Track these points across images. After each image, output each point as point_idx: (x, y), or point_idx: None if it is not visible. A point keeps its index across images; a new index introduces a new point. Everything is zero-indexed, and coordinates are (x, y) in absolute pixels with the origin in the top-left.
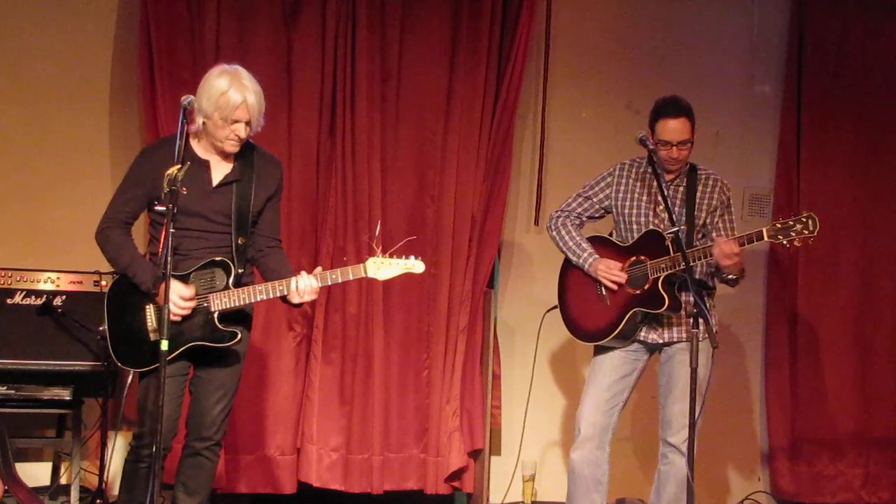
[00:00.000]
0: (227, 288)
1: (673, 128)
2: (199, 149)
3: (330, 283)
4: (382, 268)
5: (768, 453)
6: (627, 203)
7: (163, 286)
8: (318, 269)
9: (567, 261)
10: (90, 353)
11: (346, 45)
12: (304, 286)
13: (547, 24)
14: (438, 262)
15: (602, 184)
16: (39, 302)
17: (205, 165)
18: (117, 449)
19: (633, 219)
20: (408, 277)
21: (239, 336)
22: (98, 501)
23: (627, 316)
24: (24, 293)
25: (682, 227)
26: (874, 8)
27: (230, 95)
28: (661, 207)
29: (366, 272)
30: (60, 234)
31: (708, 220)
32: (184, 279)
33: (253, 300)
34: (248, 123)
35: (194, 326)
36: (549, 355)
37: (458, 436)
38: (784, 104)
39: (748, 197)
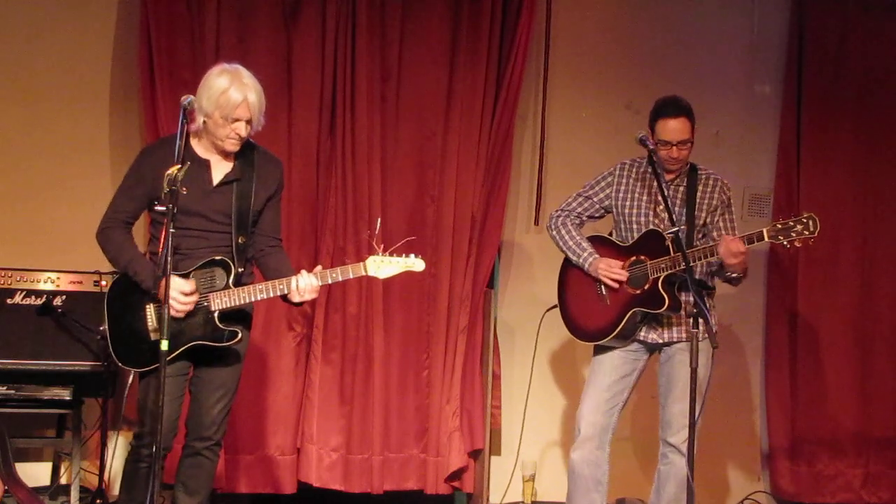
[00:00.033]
0: (227, 287)
1: (673, 128)
2: (200, 148)
3: (330, 282)
4: (382, 266)
5: (768, 453)
6: (628, 203)
7: (163, 285)
8: (319, 267)
9: (567, 260)
10: (90, 353)
11: (346, 45)
12: (304, 285)
13: (547, 24)
14: (438, 262)
15: (602, 183)
16: (39, 302)
17: (205, 165)
18: (117, 449)
19: (633, 219)
20: (408, 277)
21: (239, 335)
22: (98, 501)
23: (627, 316)
24: (24, 293)
25: (682, 227)
26: (874, 8)
27: (231, 94)
28: (661, 207)
29: (366, 270)
30: (60, 234)
31: (708, 220)
32: (184, 278)
33: (253, 299)
34: (248, 122)
35: (194, 326)
36: (549, 355)
37: (458, 436)
38: (784, 104)
39: (748, 197)
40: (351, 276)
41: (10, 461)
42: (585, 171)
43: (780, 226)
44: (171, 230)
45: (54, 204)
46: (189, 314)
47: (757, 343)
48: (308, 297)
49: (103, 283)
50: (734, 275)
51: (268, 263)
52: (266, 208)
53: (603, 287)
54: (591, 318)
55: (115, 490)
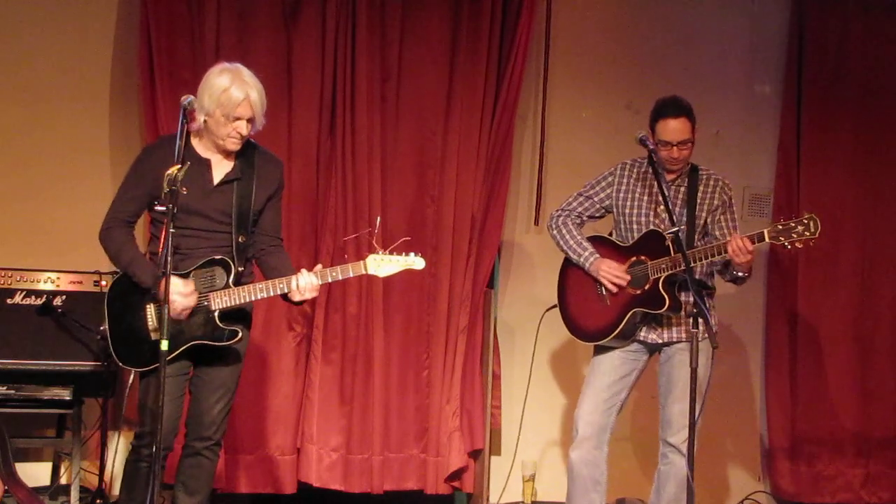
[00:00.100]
0: (227, 286)
1: (673, 128)
2: (200, 147)
3: (330, 281)
4: (382, 265)
5: (768, 453)
6: (628, 203)
7: (163, 286)
8: (319, 266)
9: (567, 260)
10: (90, 353)
11: (346, 45)
12: (304, 284)
13: (547, 24)
14: (438, 262)
15: (603, 183)
16: (39, 302)
17: (206, 164)
18: (117, 449)
19: (634, 219)
20: (408, 277)
21: (239, 335)
22: (98, 501)
23: (627, 316)
24: (24, 293)
25: (682, 228)
26: (874, 8)
27: (232, 92)
28: (661, 207)
29: (366, 269)
30: (60, 234)
31: (709, 220)
32: (184, 278)
33: (253, 298)
34: (250, 121)
35: (195, 325)
36: (550, 355)
37: (458, 436)
38: (784, 104)
39: (748, 197)
40: (351, 275)
41: (10, 461)
42: (585, 171)
43: (780, 227)
44: (171, 230)
45: (54, 204)
46: (189, 314)
47: (757, 343)
48: (308, 296)
49: (103, 283)
50: (740, 274)
51: (268, 263)
52: (266, 208)
53: (603, 287)
54: (591, 318)
55: (115, 490)
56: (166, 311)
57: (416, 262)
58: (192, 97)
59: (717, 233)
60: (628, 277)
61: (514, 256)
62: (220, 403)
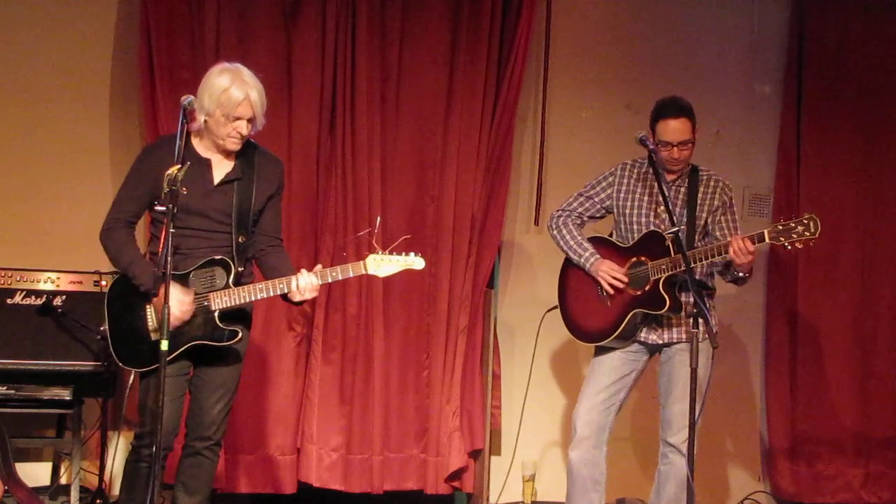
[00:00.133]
0: (227, 287)
1: (674, 128)
2: (201, 147)
3: (330, 281)
4: (382, 265)
5: (768, 453)
6: (628, 204)
7: (162, 287)
8: (319, 266)
9: (567, 261)
10: (90, 353)
11: (346, 45)
12: (304, 284)
13: (547, 24)
14: (438, 262)
15: (604, 183)
16: (39, 302)
17: (206, 164)
18: (117, 449)
19: (634, 219)
20: (408, 277)
21: (239, 335)
22: (98, 501)
23: (628, 317)
24: (24, 293)
25: (683, 228)
26: (874, 8)
27: (232, 92)
28: (661, 208)
29: (366, 269)
30: (60, 234)
31: (709, 221)
32: (184, 278)
33: (253, 298)
34: (250, 121)
35: (195, 325)
36: (550, 355)
37: (458, 436)
38: (784, 104)
39: (748, 197)
40: (351, 275)
41: (10, 461)
42: (585, 171)
43: (780, 227)
44: (171, 230)
45: (54, 204)
46: (193, 311)
47: (757, 343)
48: (308, 296)
49: (103, 283)
50: (741, 275)
51: (268, 263)
52: (266, 208)
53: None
54: (591, 319)
55: (115, 490)
56: (166, 311)
57: (416, 262)
58: (192, 97)
59: (717, 233)
60: (626, 279)
61: (514, 256)
62: (220, 403)
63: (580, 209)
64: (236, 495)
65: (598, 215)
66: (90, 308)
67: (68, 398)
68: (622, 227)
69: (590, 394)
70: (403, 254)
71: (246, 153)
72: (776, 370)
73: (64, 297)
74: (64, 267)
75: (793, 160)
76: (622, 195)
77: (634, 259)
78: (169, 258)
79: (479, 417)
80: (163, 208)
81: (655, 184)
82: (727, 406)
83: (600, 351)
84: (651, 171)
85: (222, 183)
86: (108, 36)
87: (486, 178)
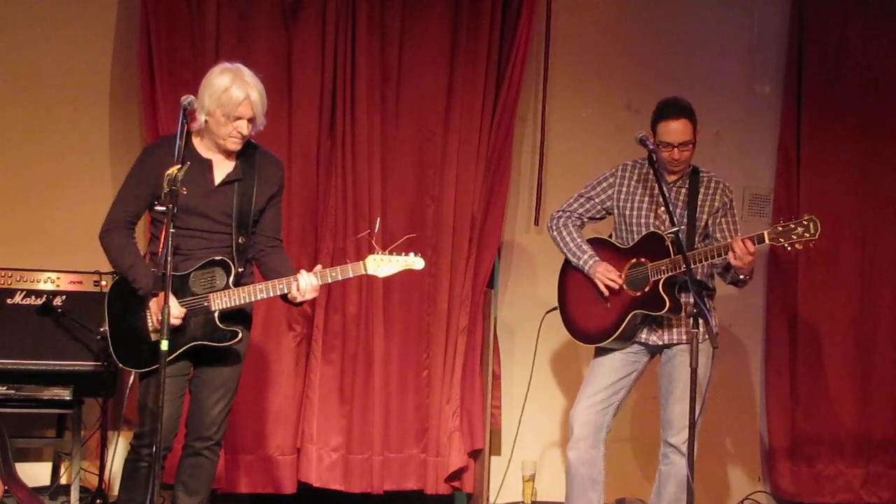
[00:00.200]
0: (227, 287)
1: (674, 129)
2: (202, 148)
3: (330, 281)
4: (382, 265)
5: (768, 453)
6: (629, 205)
7: (161, 292)
8: (318, 266)
9: (567, 262)
10: (90, 353)
11: (346, 45)
12: (304, 284)
13: (547, 24)
14: (438, 262)
15: (604, 184)
16: (39, 302)
17: (207, 164)
18: (117, 449)
19: (634, 220)
20: (408, 277)
21: (240, 335)
22: (98, 501)
23: (628, 318)
24: (24, 293)
25: (683, 228)
26: (874, 8)
27: (233, 92)
28: (661, 209)
29: (366, 269)
30: (60, 234)
31: (710, 222)
32: (184, 279)
33: (253, 299)
34: (250, 120)
35: (195, 326)
36: (550, 355)
37: (458, 436)
38: (784, 104)
39: (748, 197)
40: (351, 275)
41: (10, 461)
42: (585, 171)
43: (780, 228)
44: (171, 230)
45: (54, 204)
46: (189, 314)
47: (757, 343)
48: (308, 296)
49: (103, 283)
50: (742, 276)
51: (268, 263)
52: (267, 208)
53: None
54: (591, 320)
55: (115, 490)
56: (166, 311)
57: (416, 262)
58: (192, 97)
59: (717, 235)
60: (621, 281)
61: (514, 256)
62: (220, 404)
63: (580, 210)
64: (236, 495)
65: (598, 216)
66: (90, 308)
67: (68, 398)
68: (622, 228)
69: (588, 394)
70: (403, 254)
71: (246, 153)
72: (776, 370)
73: (64, 297)
74: (64, 267)
75: (793, 160)
76: (622, 196)
77: (634, 260)
78: (169, 258)
79: (479, 417)
80: (163, 208)
81: (656, 185)
82: (727, 406)
83: (600, 352)
84: (651, 171)
85: (223, 183)
86: (108, 36)
87: (486, 178)
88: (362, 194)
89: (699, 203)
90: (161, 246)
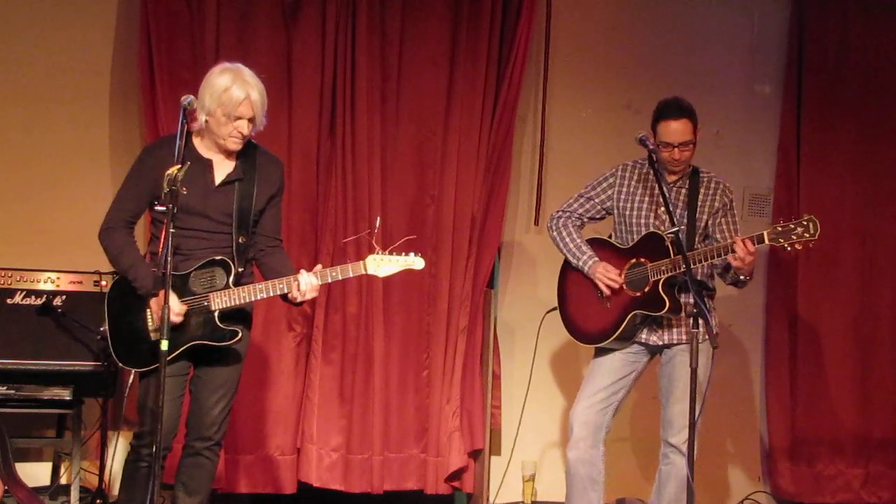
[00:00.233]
0: (227, 287)
1: (675, 129)
2: (202, 147)
3: (330, 281)
4: (382, 265)
5: (768, 453)
6: (629, 205)
7: (161, 291)
8: (318, 266)
9: (567, 263)
10: (90, 353)
11: (346, 45)
12: (304, 284)
13: (547, 24)
14: (438, 262)
15: (604, 184)
16: (39, 302)
17: (207, 164)
18: (117, 449)
19: (634, 220)
20: (408, 277)
21: (240, 335)
22: (98, 501)
23: (627, 318)
24: (24, 293)
25: (682, 228)
26: (874, 8)
27: (233, 92)
28: (661, 210)
29: (366, 269)
30: (60, 234)
31: (710, 223)
32: (184, 279)
33: (253, 299)
34: (251, 120)
35: (195, 325)
36: (550, 355)
37: (458, 436)
38: (784, 104)
39: (748, 197)
40: (351, 275)
41: (10, 461)
42: (585, 171)
43: (780, 228)
44: (171, 230)
45: (54, 204)
46: (189, 314)
47: (757, 343)
48: (308, 296)
49: (103, 283)
50: (742, 277)
51: (268, 263)
52: (267, 208)
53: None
54: (591, 321)
55: (115, 490)
56: (166, 311)
57: (416, 262)
58: (192, 97)
59: (717, 235)
60: (621, 280)
61: (514, 256)
62: (220, 404)
63: (580, 210)
64: (236, 495)
65: (598, 216)
66: (90, 308)
67: (68, 398)
68: (622, 228)
69: (588, 394)
70: (403, 254)
71: (247, 153)
72: (776, 370)
73: (64, 297)
74: (64, 267)
75: (793, 160)
76: (622, 196)
77: (634, 260)
78: (169, 258)
79: (479, 417)
80: (163, 208)
81: (656, 185)
82: (727, 406)
83: (600, 352)
84: (652, 172)
85: (223, 183)
86: (108, 36)
87: (486, 178)
88: (362, 194)
89: (699, 203)
90: (161, 246)
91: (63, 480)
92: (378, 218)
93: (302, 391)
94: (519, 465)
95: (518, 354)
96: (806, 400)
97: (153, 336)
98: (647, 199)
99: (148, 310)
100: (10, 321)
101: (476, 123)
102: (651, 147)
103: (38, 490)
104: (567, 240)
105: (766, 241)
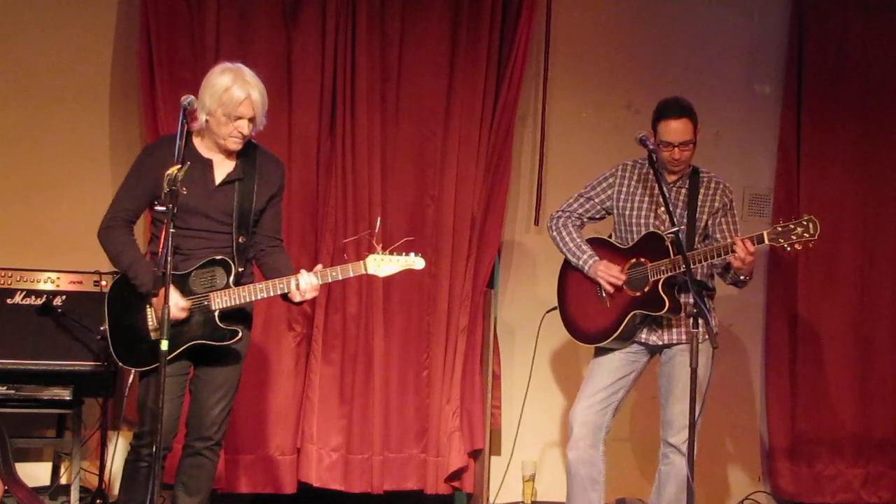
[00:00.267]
0: (227, 287)
1: (675, 129)
2: (202, 147)
3: (330, 280)
4: (382, 265)
5: (768, 453)
6: (629, 205)
7: (162, 289)
8: (319, 266)
9: (566, 262)
10: (90, 353)
11: (346, 45)
12: (304, 284)
13: (547, 24)
14: (438, 262)
15: (604, 184)
16: (39, 302)
17: (208, 164)
18: (117, 449)
19: (634, 220)
20: (408, 277)
21: (240, 335)
22: (98, 501)
23: (627, 318)
24: (24, 293)
25: (682, 228)
26: (874, 8)
27: (234, 92)
28: (661, 209)
29: (366, 269)
30: (60, 234)
31: (710, 223)
32: (184, 278)
33: (253, 298)
34: (251, 120)
35: (195, 325)
36: (550, 355)
37: (458, 436)
38: (784, 104)
39: (748, 197)
40: (351, 275)
41: (10, 461)
42: (585, 171)
43: (780, 228)
44: (171, 230)
45: (54, 204)
46: (189, 314)
47: (757, 343)
48: (308, 296)
49: (103, 283)
50: (742, 277)
51: (268, 263)
52: (267, 208)
53: (602, 289)
54: (590, 320)
55: (115, 490)
56: (166, 311)
57: (416, 262)
58: (192, 97)
59: (717, 235)
60: (624, 277)
61: (514, 256)
62: (220, 404)
63: (580, 210)
64: (236, 495)
65: (597, 216)
66: (90, 308)
67: (68, 398)
68: (622, 228)
69: (587, 394)
70: (403, 254)
71: (247, 153)
72: (776, 370)
73: (64, 297)
74: (64, 267)
75: (793, 160)
76: (622, 196)
77: (634, 260)
78: (169, 258)
79: (479, 417)
80: (163, 208)
81: (656, 185)
82: (727, 406)
83: (600, 352)
84: (651, 171)
85: (223, 183)
86: (108, 36)
87: (486, 178)
88: (362, 194)
89: (699, 203)
90: (161, 246)
91: (63, 480)
92: (378, 218)
93: (302, 391)
94: (519, 465)
95: (518, 354)
96: (806, 400)
97: (153, 336)
98: (646, 198)
99: (148, 308)
100: (10, 321)
101: (476, 123)
102: (651, 147)
103: (38, 490)
104: (567, 239)
105: (766, 242)
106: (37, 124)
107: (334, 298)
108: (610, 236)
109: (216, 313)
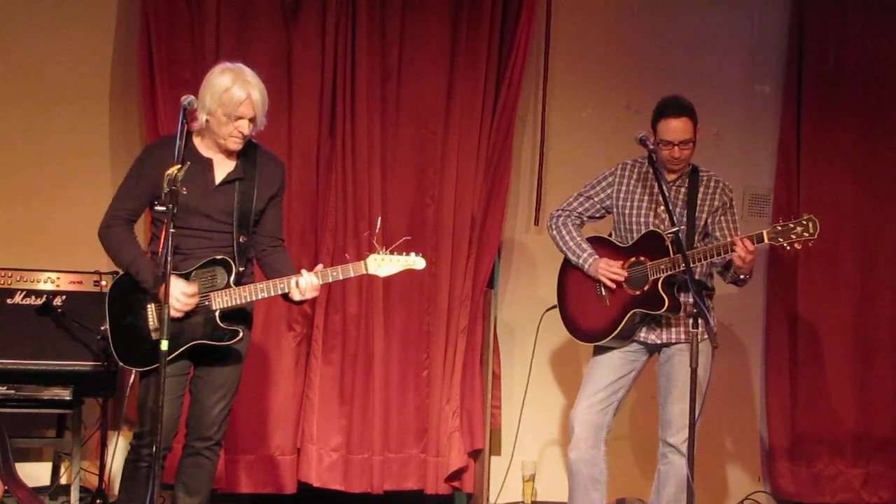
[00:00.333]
0: (227, 286)
1: (675, 127)
2: (202, 147)
3: (331, 280)
4: (383, 265)
5: (768, 453)
6: (628, 204)
7: (164, 286)
8: (319, 266)
9: (566, 261)
10: (90, 353)
11: (346, 45)
12: (305, 284)
13: (547, 24)
14: (438, 262)
15: (604, 183)
16: (39, 302)
17: (208, 164)
18: (117, 449)
19: (634, 219)
20: (408, 277)
21: (240, 335)
22: (98, 501)
23: (627, 317)
24: (24, 293)
25: (682, 227)
26: (874, 8)
27: (234, 92)
28: (661, 208)
29: (366, 269)
30: (60, 234)
31: (709, 222)
32: (185, 278)
33: (254, 298)
34: (251, 120)
35: (195, 325)
36: (550, 355)
37: (458, 436)
38: (784, 104)
39: (748, 197)
40: (352, 275)
41: (10, 461)
42: (585, 171)
43: (780, 227)
44: (171, 230)
45: (54, 204)
46: (189, 314)
47: (757, 343)
48: (309, 295)
49: (103, 283)
50: (742, 276)
51: (269, 263)
52: (268, 208)
53: (602, 288)
54: (590, 319)
55: (115, 490)
56: (167, 310)
57: (417, 262)
58: (192, 97)
59: (717, 234)
60: (625, 273)
61: (514, 256)
62: (220, 403)
63: (580, 209)
64: (236, 495)
65: (597, 215)
66: (90, 308)
67: (68, 398)
68: (621, 227)
69: (588, 393)
70: (404, 254)
71: (247, 153)
72: (776, 370)
73: (64, 297)
74: (64, 267)
75: (793, 160)
76: (622, 195)
77: (633, 259)
78: (169, 258)
79: (479, 417)
80: (163, 208)
81: (655, 184)
82: (727, 406)
83: (599, 351)
84: (651, 171)
85: (224, 183)
86: (108, 36)
87: (486, 178)
88: (362, 194)
89: (699, 202)
90: (161, 245)
91: (63, 480)
92: (378, 218)
93: (302, 391)
94: (519, 465)
95: (518, 354)
96: (806, 400)
97: (154, 335)
98: (646, 197)
99: (149, 307)
100: (10, 321)
101: (476, 123)
102: (651, 147)
103: (38, 490)
104: (567, 238)
105: (766, 241)
106: (37, 124)
107: (334, 298)
108: (610, 235)
109: (217, 313)
